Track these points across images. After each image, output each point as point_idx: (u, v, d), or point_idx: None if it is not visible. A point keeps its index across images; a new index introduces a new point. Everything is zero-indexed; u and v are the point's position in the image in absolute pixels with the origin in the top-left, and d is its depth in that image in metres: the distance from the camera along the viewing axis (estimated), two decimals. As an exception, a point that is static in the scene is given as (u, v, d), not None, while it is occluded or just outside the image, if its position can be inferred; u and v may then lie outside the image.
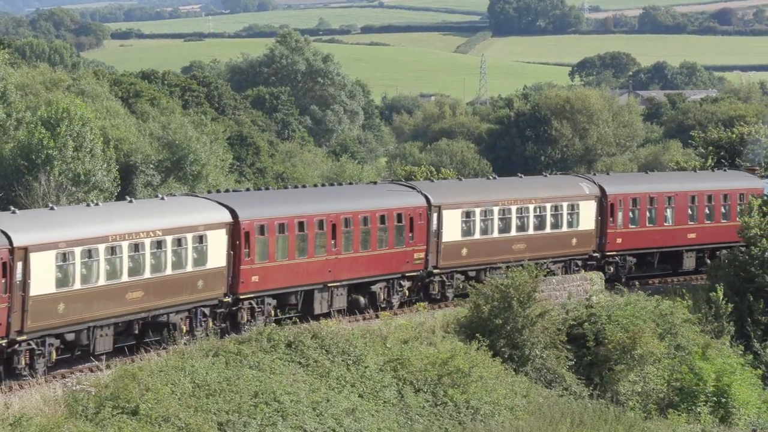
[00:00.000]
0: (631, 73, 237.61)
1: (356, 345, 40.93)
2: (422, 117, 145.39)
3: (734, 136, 65.49)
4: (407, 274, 47.05)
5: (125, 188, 66.12)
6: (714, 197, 56.59)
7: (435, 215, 47.14)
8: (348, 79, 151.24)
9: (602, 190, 53.05)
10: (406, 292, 46.97)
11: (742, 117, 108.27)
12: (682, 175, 60.91)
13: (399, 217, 46.26)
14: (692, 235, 55.84)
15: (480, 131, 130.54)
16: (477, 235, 48.48)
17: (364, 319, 45.11)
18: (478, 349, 43.27)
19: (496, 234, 49.18)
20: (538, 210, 50.57)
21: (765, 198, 55.11)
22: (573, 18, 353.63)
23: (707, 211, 56.19)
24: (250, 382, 37.02)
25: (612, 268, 53.49)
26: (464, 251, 48.21)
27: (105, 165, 62.72)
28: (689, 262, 56.69)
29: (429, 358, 41.78)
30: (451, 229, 47.72)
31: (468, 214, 48.26)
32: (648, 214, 54.31)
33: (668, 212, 55.01)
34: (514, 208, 49.64)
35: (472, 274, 48.80)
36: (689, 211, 55.68)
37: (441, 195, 47.99)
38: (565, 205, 51.43)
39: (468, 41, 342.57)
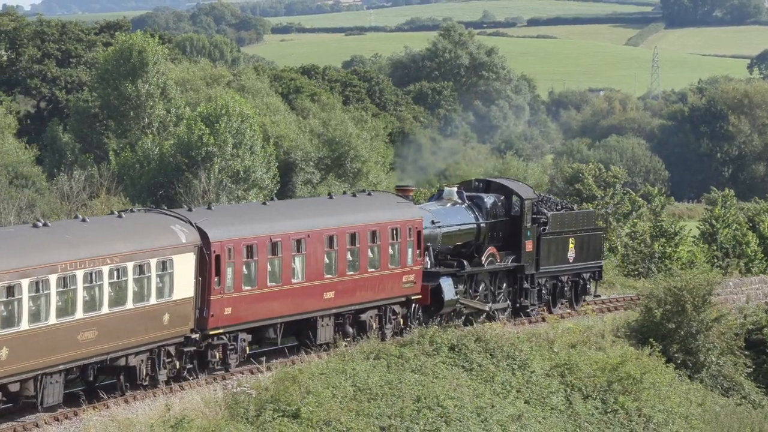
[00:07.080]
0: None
1: (522, 349, 40.37)
2: (590, 112, 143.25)
3: None
4: None
5: (285, 186, 65.83)
6: (359, 236, 39.86)
7: None
8: (513, 73, 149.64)
9: (203, 234, 35.43)
10: None
11: None
12: (318, 204, 42.30)
13: None
14: (330, 294, 39.22)
15: (652, 127, 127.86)
16: (24, 325, 30.81)
17: (530, 322, 43.95)
18: (650, 354, 42.38)
19: (53, 319, 31.52)
20: (116, 274, 33.10)
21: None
22: (752, 8, 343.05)
23: (350, 257, 39.65)
24: (412, 386, 36.58)
25: (218, 354, 36.48)
26: (4, 353, 30.40)
27: (265, 162, 62.24)
28: (325, 332, 39.41)
29: (598, 363, 41.02)
30: None
31: (8, 291, 30.31)
32: (269, 267, 37.21)
33: (297, 262, 38.08)
34: (80, 274, 32.05)
35: (14, 388, 31.16)
36: (326, 260, 38.97)
37: None
38: (153, 262, 34.01)
39: (640, 33, 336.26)
